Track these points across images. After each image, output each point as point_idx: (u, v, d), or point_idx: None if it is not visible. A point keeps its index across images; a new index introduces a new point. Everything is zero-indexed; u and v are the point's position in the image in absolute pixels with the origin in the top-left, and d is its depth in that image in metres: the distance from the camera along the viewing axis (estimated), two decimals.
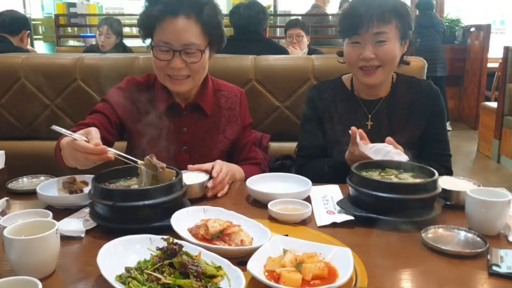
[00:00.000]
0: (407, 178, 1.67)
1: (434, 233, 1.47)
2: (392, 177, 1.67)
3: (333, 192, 1.85)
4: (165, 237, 1.24)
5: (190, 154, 2.08)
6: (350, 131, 1.89)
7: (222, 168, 1.88)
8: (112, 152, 1.52)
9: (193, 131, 2.08)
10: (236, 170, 2.05)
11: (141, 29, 1.95)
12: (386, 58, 2.02)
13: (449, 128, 7.29)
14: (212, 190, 1.82)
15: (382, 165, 1.75)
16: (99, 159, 1.52)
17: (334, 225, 1.57)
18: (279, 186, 1.90)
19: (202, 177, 1.83)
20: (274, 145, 2.73)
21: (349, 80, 2.25)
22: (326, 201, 1.77)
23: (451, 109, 8.12)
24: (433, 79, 7.01)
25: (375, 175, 1.70)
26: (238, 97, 2.21)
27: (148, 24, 1.91)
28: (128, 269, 1.16)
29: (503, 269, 1.26)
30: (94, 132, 1.53)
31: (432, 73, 7.04)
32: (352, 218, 1.58)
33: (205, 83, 2.10)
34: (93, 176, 1.58)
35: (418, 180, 1.63)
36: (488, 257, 1.33)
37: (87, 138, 1.51)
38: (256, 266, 1.18)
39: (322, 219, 1.61)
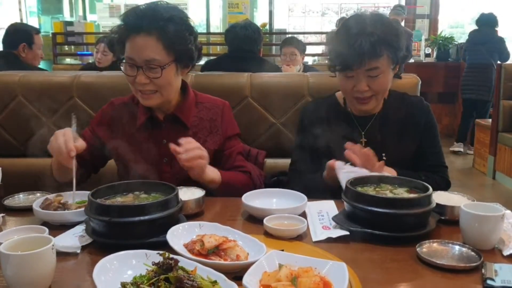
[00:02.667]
0: (402, 193, 1.69)
1: (428, 248, 1.48)
2: (387, 192, 1.69)
3: (328, 208, 1.86)
4: (161, 252, 1.24)
5: (171, 165, 2.09)
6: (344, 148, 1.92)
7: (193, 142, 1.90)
8: (73, 162, 1.79)
9: (173, 143, 2.10)
10: (211, 168, 2.01)
11: (116, 46, 2.04)
12: (379, 90, 2.07)
13: (457, 149, 7.27)
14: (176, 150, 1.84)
15: (377, 181, 1.77)
16: (65, 159, 1.78)
17: (329, 240, 1.57)
18: (275, 202, 1.91)
19: (198, 193, 1.84)
20: (269, 161, 2.74)
21: (342, 97, 2.28)
22: (322, 216, 1.78)
23: (445, 126, 8.18)
24: (476, 102, 6.93)
25: (370, 190, 1.71)
26: (220, 108, 2.23)
27: (118, 42, 2.01)
28: (123, 284, 1.16)
29: (497, 283, 1.27)
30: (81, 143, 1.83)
31: (476, 95, 6.98)
32: (347, 233, 1.59)
33: (185, 96, 2.17)
34: (88, 192, 1.59)
35: (412, 195, 1.65)
36: (483, 271, 1.34)
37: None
38: (251, 281, 1.19)
39: (318, 234, 1.61)
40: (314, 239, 1.59)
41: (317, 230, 1.64)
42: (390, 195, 1.67)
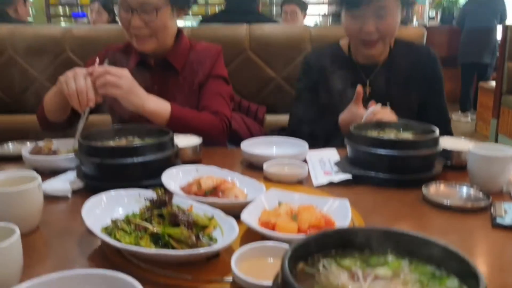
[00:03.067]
0: (408, 136, 1.61)
1: (435, 189, 1.42)
2: (392, 135, 1.62)
3: (330, 155, 1.79)
4: (154, 188, 1.18)
5: None
6: (354, 92, 1.85)
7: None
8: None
9: (164, 88, 2.02)
10: (156, 100, 1.85)
11: None
12: (387, 32, 1.96)
13: (463, 119, 7.11)
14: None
15: (381, 126, 1.69)
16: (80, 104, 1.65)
17: (331, 185, 1.51)
18: (275, 150, 1.84)
19: (194, 140, 1.77)
20: (270, 117, 2.66)
21: (347, 45, 2.18)
22: (323, 163, 1.71)
23: (448, 91, 8.06)
24: (476, 66, 6.75)
25: (374, 134, 1.64)
26: (211, 52, 2.13)
27: None
28: (114, 221, 1.09)
29: (507, 221, 1.21)
30: None
31: (476, 58, 6.78)
32: (350, 177, 1.52)
33: (179, 41, 2.09)
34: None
35: (418, 137, 1.58)
36: (492, 210, 1.28)
37: None
38: (250, 218, 1.13)
39: (319, 179, 1.55)
40: (315, 184, 1.52)
41: (318, 175, 1.58)
42: (395, 137, 1.59)
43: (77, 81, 1.62)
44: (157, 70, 2.05)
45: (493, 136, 5.71)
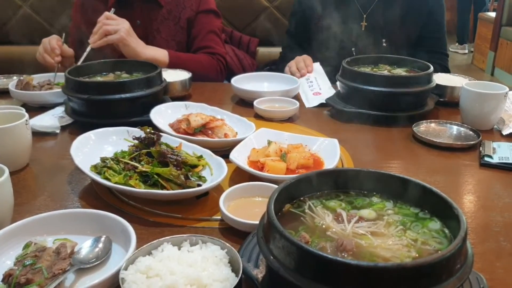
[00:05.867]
0: (401, 73, 1.59)
1: (425, 127, 1.42)
2: (385, 72, 1.59)
3: (315, 72, 1.81)
4: (142, 127, 1.16)
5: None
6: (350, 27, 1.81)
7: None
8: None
9: (147, 23, 1.95)
10: (152, 47, 1.86)
11: None
12: None
13: (461, 51, 6.95)
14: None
15: (375, 61, 1.66)
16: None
17: (321, 123, 1.51)
18: (266, 86, 1.81)
19: (183, 75, 1.73)
20: (262, 50, 2.59)
21: None
22: (311, 82, 1.74)
23: (447, 22, 7.85)
24: None
25: (367, 70, 1.61)
26: None
27: None
28: (103, 159, 1.09)
29: (495, 160, 1.22)
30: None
31: None
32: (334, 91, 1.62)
33: None
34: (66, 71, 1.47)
35: (411, 74, 1.55)
36: (481, 149, 1.28)
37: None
38: (239, 157, 1.13)
39: (310, 101, 1.61)
40: (307, 106, 1.60)
41: (309, 97, 1.63)
42: (388, 74, 1.57)
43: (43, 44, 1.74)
44: (138, 4, 1.95)
45: (489, 69, 5.65)
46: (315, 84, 1.67)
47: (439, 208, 0.76)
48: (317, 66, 1.81)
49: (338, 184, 0.84)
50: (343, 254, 0.68)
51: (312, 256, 0.61)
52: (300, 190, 0.82)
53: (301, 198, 0.82)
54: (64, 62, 1.76)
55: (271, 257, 0.66)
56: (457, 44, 7.01)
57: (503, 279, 0.81)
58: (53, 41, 1.72)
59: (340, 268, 0.60)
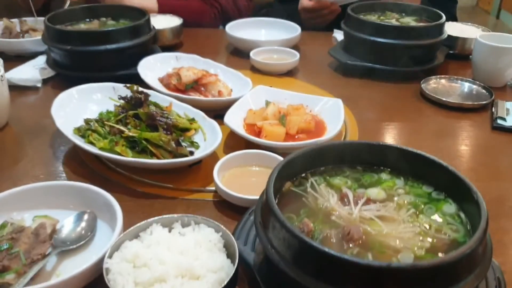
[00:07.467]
0: (410, 22, 1.47)
1: (435, 84, 1.33)
2: (393, 21, 1.47)
3: None
4: (128, 85, 1.06)
5: None
6: None
7: None
8: None
9: None
10: None
11: None
12: None
13: None
14: None
15: (382, 7, 1.53)
16: None
17: (324, 78, 1.40)
18: (264, 33, 1.69)
19: (174, 21, 1.60)
20: None
21: None
22: None
23: None
24: None
25: (373, 18, 1.48)
26: None
27: None
28: (87, 121, 1.01)
29: (508, 123, 1.14)
30: None
31: None
32: None
33: None
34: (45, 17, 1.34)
35: (422, 24, 1.43)
36: (493, 109, 1.20)
37: None
38: (234, 119, 1.04)
39: None
40: None
41: None
42: (396, 24, 1.45)
43: None
44: None
45: (495, 12, 5.42)
46: None
47: (455, 188, 0.69)
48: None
49: (344, 158, 0.77)
50: (350, 244, 0.61)
51: (317, 252, 0.55)
52: (302, 165, 0.74)
53: (303, 175, 0.74)
54: None
55: (271, 249, 0.60)
56: None
57: None
58: None
59: (348, 267, 0.54)
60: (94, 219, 0.77)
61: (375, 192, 0.71)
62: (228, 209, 0.84)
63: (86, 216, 0.77)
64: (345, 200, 0.70)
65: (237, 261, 0.64)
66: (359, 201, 0.69)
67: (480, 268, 0.58)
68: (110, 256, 0.65)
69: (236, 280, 0.64)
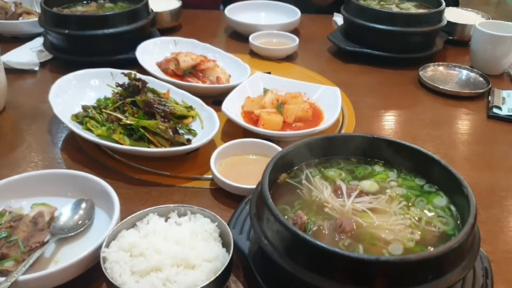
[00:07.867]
0: (410, 8, 1.46)
1: (433, 71, 1.33)
2: (393, 7, 1.46)
3: None
4: (126, 71, 1.07)
5: None
6: None
7: None
8: None
9: None
10: None
11: None
12: None
13: None
14: None
15: None
16: None
17: (323, 64, 1.40)
18: (263, 16, 1.68)
19: (173, 4, 1.59)
20: None
21: None
22: None
23: None
24: None
25: (373, 4, 1.47)
26: None
27: None
28: (85, 108, 1.01)
29: (504, 112, 1.15)
30: None
31: None
32: None
33: None
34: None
35: (421, 11, 1.42)
36: (489, 98, 1.21)
37: None
38: (232, 107, 1.05)
39: None
40: None
41: None
42: (395, 9, 1.44)
43: None
44: None
45: None
46: None
47: (446, 181, 0.70)
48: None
49: (338, 150, 0.78)
50: (341, 236, 0.63)
51: (309, 245, 0.56)
52: (297, 157, 0.75)
53: (298, 167, 0.75)
54: None
55: (265, 240, 0.61)
56: None
57: (507, 252, 0.78)
58: None
59: (339, 259, 0.55)
60: (92, 207, 0.79)
61: (368, 184, 0.73)
62: (225, 197, 0.85)
63: (84, 204, 0.78)
64: (339, 192, 0.71)
65: (231, 251, 0.65)
66: (352, 194, 0.70)
67: (467, 260, 0.59)
68: (107, 245, 0.66)
69: (231, 269, 0.66)
